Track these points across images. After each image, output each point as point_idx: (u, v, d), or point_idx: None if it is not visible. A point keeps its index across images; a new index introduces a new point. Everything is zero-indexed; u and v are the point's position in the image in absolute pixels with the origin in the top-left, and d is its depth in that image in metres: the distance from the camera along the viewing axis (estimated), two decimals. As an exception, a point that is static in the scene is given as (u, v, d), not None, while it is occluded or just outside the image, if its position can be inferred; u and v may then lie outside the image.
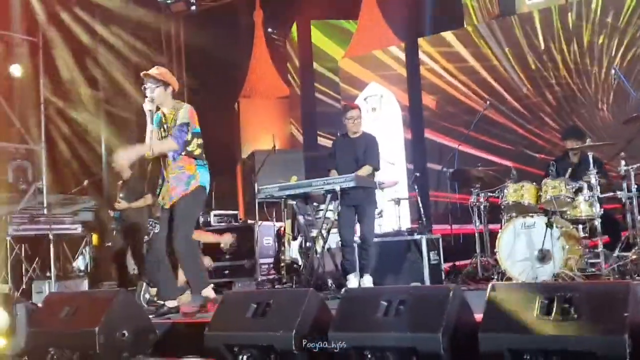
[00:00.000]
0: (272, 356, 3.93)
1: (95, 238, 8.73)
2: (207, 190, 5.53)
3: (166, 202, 5.40)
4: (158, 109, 5.50)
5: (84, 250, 8.99)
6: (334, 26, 12.80)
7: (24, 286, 8.26)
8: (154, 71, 5.45)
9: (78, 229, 8.82)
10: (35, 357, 4.49)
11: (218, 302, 5.11)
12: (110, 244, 7.93)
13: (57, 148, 10.54)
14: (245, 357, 4.01)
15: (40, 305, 5.37)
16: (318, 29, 12.76)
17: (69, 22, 10.82)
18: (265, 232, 8.83)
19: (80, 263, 8.98)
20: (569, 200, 6.18)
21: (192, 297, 5.90)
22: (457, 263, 7.84)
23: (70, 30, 10.87)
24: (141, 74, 5.48)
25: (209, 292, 5.35)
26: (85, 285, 8.30)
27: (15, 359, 4.13)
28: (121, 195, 7.74)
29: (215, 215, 9.44)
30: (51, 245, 8.49)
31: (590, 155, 6.11)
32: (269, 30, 13.97)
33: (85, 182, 9.16)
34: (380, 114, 11.41)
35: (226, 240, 8.14)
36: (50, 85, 10.65)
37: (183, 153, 5.37)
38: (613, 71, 8.67)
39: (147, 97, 5.39)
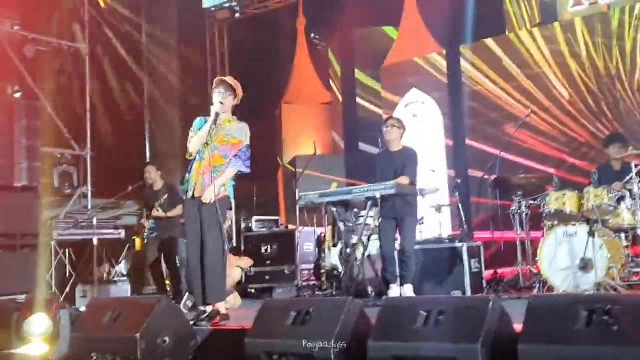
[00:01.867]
0: (312, 364, 3.95)
1: (138, 243, 8.82)
2: (231, 204, 5.72)
3: (197, 190, 5.40)
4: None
5: (126, 255, 9.09)
6: (376, 33, 12.78)
7: (67, 290, 8.39)
8: (229, 80, 5.59)
9: (121, 234, 8.95)
10: (79, 361, 4.58)
11: (223, 319, 5.26)
12: (147, 252, 7.95)
13: (102, 154, 10.71)
14: (284, 364, 4.05)
15: (83, 310, 5.48)
16: (360, 36, 12.75)
17: (115, 29, 11.03)
18: (306, 238, 8.84)
19: (122, 268, 9.10)
20: (611, 208, 6.09)
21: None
22: (498, 271, 7.76)
23: (116, 36, 11.08)
24: (216, 79, 5.59)
25: (222, 307, 5.39)
26: (127, 290, 8.42)
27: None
28: (158, 204, 7.81)
29: (256, 221, 9.48)
30: (95, 250, 8.64)
31: (633, 163, 6.02)
32: (312, 35, 14.01)
33: (130, 188, 9.29)
34: (421, 120, 11.36)
35: (245, 264, 8.15)
36: (96, 91, 10.86)
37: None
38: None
39: (218, 101, 5.43)
